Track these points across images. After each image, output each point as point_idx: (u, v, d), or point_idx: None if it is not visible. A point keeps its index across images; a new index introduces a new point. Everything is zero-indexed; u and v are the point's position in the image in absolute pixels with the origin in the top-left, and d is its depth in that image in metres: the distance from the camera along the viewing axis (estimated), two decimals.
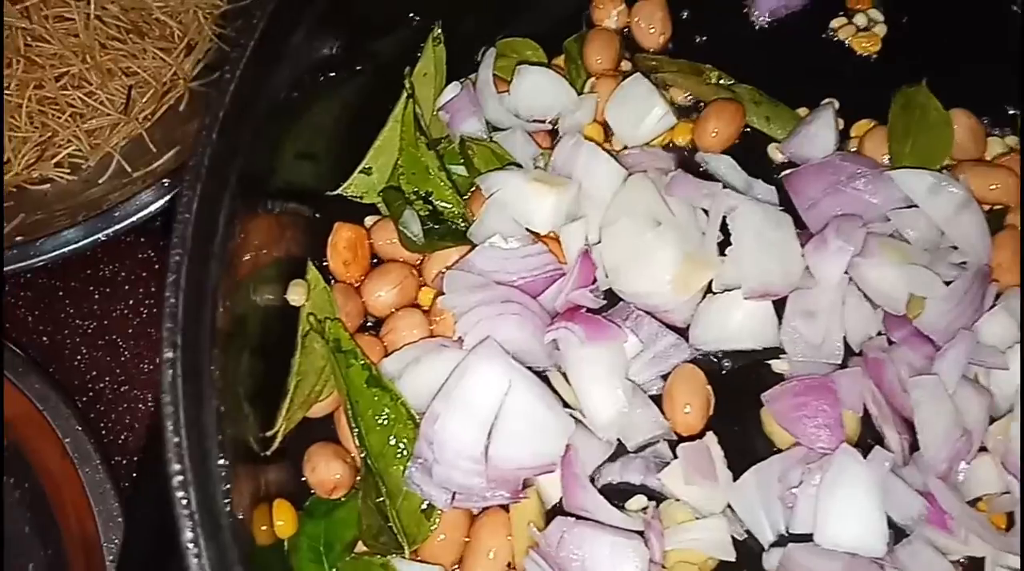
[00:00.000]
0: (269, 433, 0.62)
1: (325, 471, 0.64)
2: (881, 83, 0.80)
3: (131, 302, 0.98)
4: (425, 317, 0.71)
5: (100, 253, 0.99)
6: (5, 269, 0.92)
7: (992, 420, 0.65)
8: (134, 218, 0.93)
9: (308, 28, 0.64)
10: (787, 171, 0.75)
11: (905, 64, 0.81)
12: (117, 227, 0.93)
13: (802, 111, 0.79)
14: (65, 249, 0.93)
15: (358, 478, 0.65)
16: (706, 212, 0.71)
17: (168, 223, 0.95)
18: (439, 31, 0.78)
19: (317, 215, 0.73)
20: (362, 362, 0.65)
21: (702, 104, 0.80)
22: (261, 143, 0.61)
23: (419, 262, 0.74)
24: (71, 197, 1.01)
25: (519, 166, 0.73)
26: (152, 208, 0.93)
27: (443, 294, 0.69)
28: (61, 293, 0.98)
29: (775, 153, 0.78)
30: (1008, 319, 0.67)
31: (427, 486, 0.62)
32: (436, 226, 0.73)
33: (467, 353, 0.65)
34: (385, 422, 0.64)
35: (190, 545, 0.46)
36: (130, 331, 0.97)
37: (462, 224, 0.73)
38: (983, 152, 0.77)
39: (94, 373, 0.95)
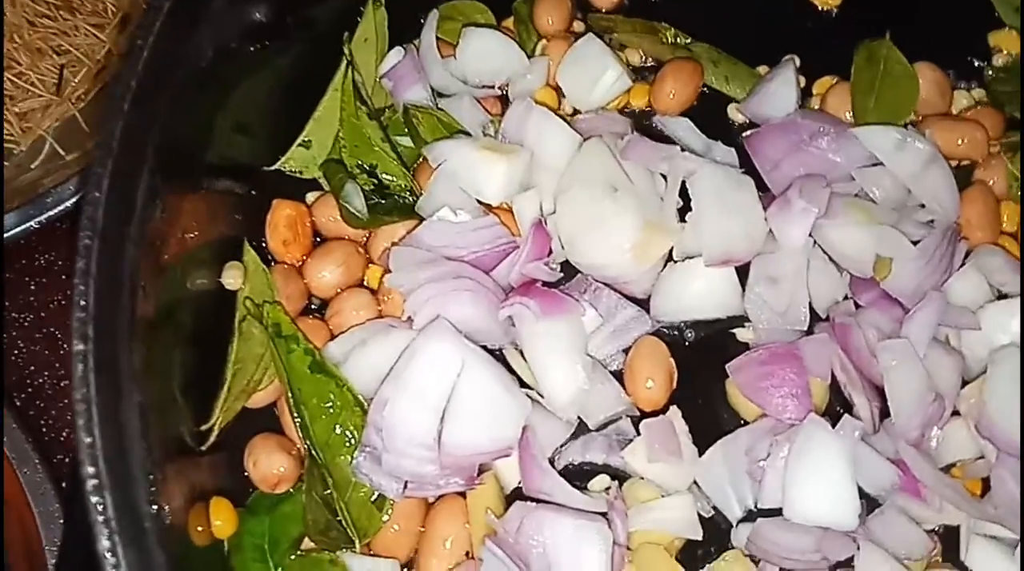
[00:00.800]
0: (205, 427, 0.59)
1: (267, 464, 0.60)
2: (843, 38, 0.77)
3: (69, 292, 0.92)
4: (373, 297, 0.67)
5: (34, 241, 0.93)
6: None
7: (964, 383, 0.63)
8: (67, 203, 0.89)
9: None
10: (748, 132, 0.72)
11: (867, 17, 0.78)
12: (51, 213, 0.89)
13: (762, 69, 0.76)
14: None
15: (302, 472, 0.61)
16: (664, 177, 0.68)
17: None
18: None
19: (253, 193, 0.69)
20: (304, 347, 0.62)
21: (659, 65, 0.76)
22: (183, 114, 0.57)
23: (365, 239, 0.70)
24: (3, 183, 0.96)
25: (468, 134, 0.69)
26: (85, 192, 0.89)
27: (390, 272, 0.65)
28: None
29: (735, 114, 0.75)
30: (978, 278, 0.65)
31: (376, 476, 0.59)
32: (382, 201, 0.69)
33: (417, 333, 0.61)
34: (331, 410, 0.61)
35: (107, 554, 0.42)
36: (68, 323, 0.92)
37: (409, 198, 0.69)
38: (949, 106, 0.74)
39: (32, 368, 0.90)
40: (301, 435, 0.60)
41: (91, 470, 0.43)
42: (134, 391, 0.47)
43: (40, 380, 0.90)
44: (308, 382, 0.61)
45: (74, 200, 0.88)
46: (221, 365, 0.61)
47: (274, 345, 0.62)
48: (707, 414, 0.65)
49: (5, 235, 0.88)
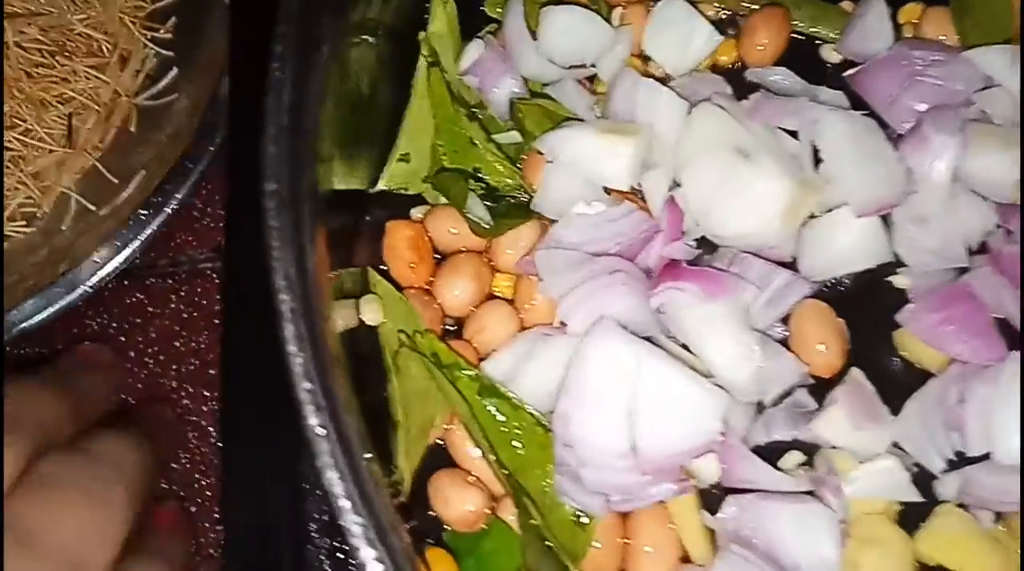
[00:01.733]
0: (394, 477, 0.54)
1: (460, 503, 0.56)
2: None
3: (132, 354, 0.87)
4: (511, 307, 0.63)
5: (82, 306, 0.87)
6: None
7: None
8: (116, 262, 0.83)
9: (330, 10, 0.54)
10: (851, 71, 0.69)
11: None
12: (100, 276, 0.83)
13: (846, 6, 0.73)
14: (48, 311, 0.82)
15: (492, 503, 0.57)
16: (786, 131, 0.65)
17: (151, 260, 0.86)
18: None
19: (368, 218, 0.63)
20: (469, 373, 0.57)
21: (734, 17, 0.73)
22: (312, 154, 0.52)
23: (484, 248, 0.65)
24: (33, 251, 0.89)
25: (577, 120, 0.65)
26: (134, 246, 0.83)
27: (526, 278, 0.61)
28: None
29: (830, 54, 0.72)
30: None
31: (578, 495, 0.55)
32: (493, 203, 0.64)
33: (580, 339, 0.57)
34: (511, 433, 0.57)
35: None
36: (140, 386, 0.86)
37: (522, 196, 0.65)
38: None
39: None
40: (495, 465, 0.56)
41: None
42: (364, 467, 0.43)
43: None
44: (481, 408, 0.57)
45: (123, 257, 0.83)
46: (381, 411, 0.57)
47: (439, 376, 0.57)
48: (884, 369, 0.63)
49: (56, 307, 0.82)
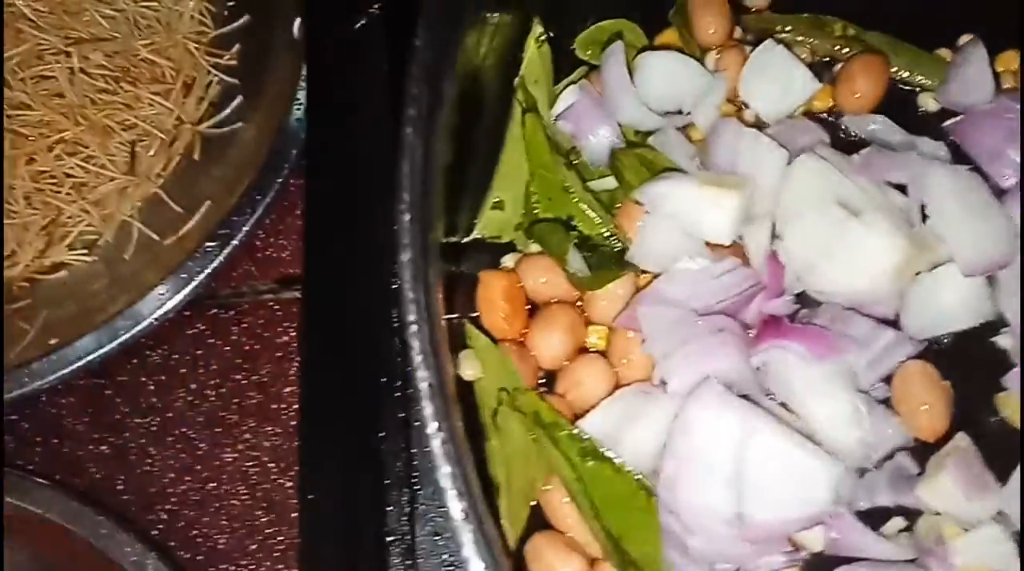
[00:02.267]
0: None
1: (561, 567, 0.54)
2: (1011, 3, 0.73)
3: (193, 387, 0.86)
4: (607, 362, 0.61)
5: (144, 338, 0.86)
6: (49, 378, 0.81)
7: None
8: (182, 295, 0.82)
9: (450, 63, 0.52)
10: (952, 120, 0.68)
11: None
12: (167, 308, 0.82)
13: (943, 52, 0.71)
14: (110, 346, 0.81)
15: (590, 568, 0.56)
16: (893, 186, 0.63)
17: (212, 291, 0.84)
18: (541, 29, 0.68)
19: (462, 268, 0.62)
20: (570, 432, 0.56)
21: (830, 62, 0.72)
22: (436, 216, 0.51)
23: (578, 298, 0.64)
24: (94, 280, 0.88)
25: (677, 170, 0.64)
26: (199, 279, 0.82)
27: (621, 332, 0.60)
28: (109, 392, 0.86)
29: (927, 102, 0.70)
30: None
31: (686, 565, 0.53)
32: (588, 253, 0.63)
33: (683, 399, 0.56)
34: (614, 497, 0.55)
35: None
36: (200, 419, 0.85)
37: (616, 246, 0.64)
38: None
39: (171, 476, 0.83)
40: (596, 531, 0.55)
41: None
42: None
43: (183, 486, 0.83)
44: (587, 470, 0.55)
45: (188, 289, 0.82)
46: (483, 467, 0.55)
47: (541, 436, 0.56)
48: (987, 433, 0.61)
49: (118, 341, 0.81)
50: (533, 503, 0.58)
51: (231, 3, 0.97)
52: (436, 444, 0.39)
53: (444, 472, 0.39)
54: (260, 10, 0.95)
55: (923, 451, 0.60)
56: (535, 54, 0.67)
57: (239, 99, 0.92)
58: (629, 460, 0.56)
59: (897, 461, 0.60)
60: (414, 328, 0.41)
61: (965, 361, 0.63)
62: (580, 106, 0.66)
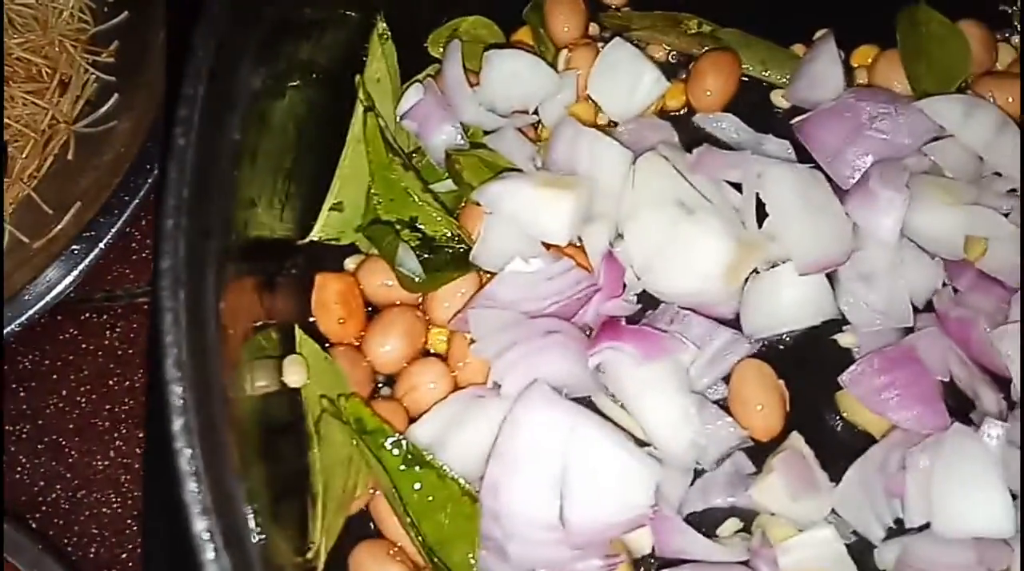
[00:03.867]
0: (309, 555, 0.52)
1: None
2: (869, 1, 0.73)
3: (64, 393, 0.84)
4: (444, 365, 0.61)
5: (14, 343, 0.84)
6: None
7: None
8: (47, 298, 0.80)
9: (250, 59, 0.51)
10: (798, 118, 0.67)
11: None
12: (31, 312, 0.80)
13: (797, 48, 0.71)
14: None
15: None
16: (731, 184, 0.63)
17: (87, 293, 0.83)
18: (383, 26, 0.66)
19: (294, 271, 0.61)
20: (392, 440, 0.55)
21: (687, 59, 0.71)
22: (223, 202, 0.49)
23: (418, 300, 0.63)
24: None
25: (516, 171, 0.63)
26: (66, 282, 0.80)
27: (461, 334, 0.59)
28: None
29: (778, 99, 0.70)
30: None
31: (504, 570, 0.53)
32: (430, 254, 0.62)
33: (513, 402, 0.55)
34: (437, 504, 0.54)
35: None
36: (71, 426, 0.83)
37: (460, 247, 0.63)
38: (994, 62, 0.70)
39: (42, 483, 0.81)
40: (414, 537, 0.54)
41: None
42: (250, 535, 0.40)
43: (53, 495, 0.81)
44: (405, 478, 0.55)
45: (54, 293, 0.80)
46: (302, 479, 0.54)
47: (361, 444, 0.55)
48: (825, 431, 0.61)
49: None
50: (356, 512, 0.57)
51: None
52: (182, 462, 0.38)
53: (188, 490, 0.38)
54: (140, 6, 0.93)
55: (763, 451, 0.60)
56: (379, 51, 0.66)
57: (116, 97, 0.90)
58: (455, 466, 0.56)
59: (735, 461, 0.60)
60: (169, 338, 0.40)
61: (805, 359, 0.63)
62: (423, 105, 0.65)
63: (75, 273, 0.81)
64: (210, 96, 0.45)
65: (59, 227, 0.84)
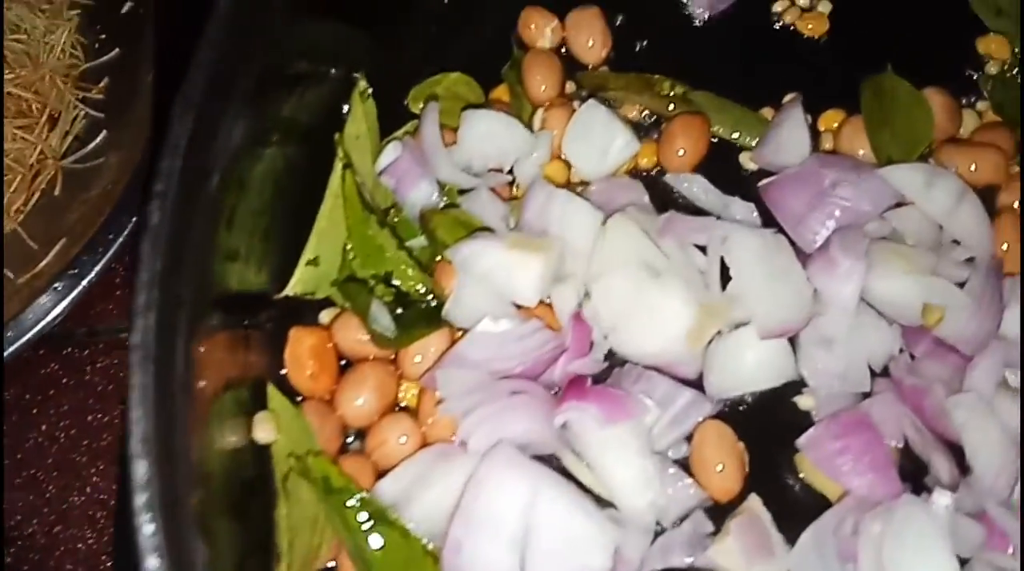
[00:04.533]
0: None
1: None
2: (837, 64, 0.75)
3: (44, 427, 0.85)
4: (414, 421, 0.62)
5: None
6: None
7: None
8: (30, 334, 0.82)
9: (229, 124, 0.53)
10: (764, 182, 0.69)
11: (856, 40, 0.76)
12: (14, 348, 0.81)
13: (766, 112, 0.73)
14: None
15: None
16: (698, 247, 0.65)
17: (69, 328, 0.84)
18: (365, 84, 0.68)
19: (268, 325, 0.63)
20: (358, 498, 0.57)
21: (660, 119, 0.73)
22: (205, 250, 0.51)
23: (391, 355, 0.65)
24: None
25: (489, 230, 0.65)
26: (49, 317, 0.82)
27: (431, 391, 0.61)
28: None
29: (747, 162, 0.72)
30: None
31: None
32: (404, 311, 0.64)
33: (478, 461, 0.57)
34: (400, 563, 0.56)
35: None
36: (50, 461, 0.84)
37: (433, 302, 0.65)
38: (958, 130, 0.72)
39: (19, 518, 0.82)
40: None
41: None
42: None
43: (30, 529, 0.82)
44: (364, 540, 0.56)
45: (37, 329, 0.81)
46: (269, 533, 0.56)
47: (327, 502, 0.56)
48: (783, 492, 0.63)
49: None
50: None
51: (103, 36, 0.96)
52: (143, 536, 0.39)
53: (149, 566, 0.40)
54: (131, 44, 0.94)
55: (724, 511, 0.62)
56: (359, 109, 0.68)
57: (104, 134, 0.92)
58: (419, 524, 0.57)
59: (695, 520, 0.61)
60: (136, 413, 0.41)
61: (766, 421, 0.65)
62: (401, 162, 0.67)
63: (59, 309, 0.82)
64: (186, 170, 0.47)
65: (44, 262, 0.85)
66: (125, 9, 0.96)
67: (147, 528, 0.39)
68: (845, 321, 0.63)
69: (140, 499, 0.40)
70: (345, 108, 0.69)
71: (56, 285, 0.82)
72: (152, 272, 0.44)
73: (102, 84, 0.94)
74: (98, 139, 0.92)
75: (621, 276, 0.62)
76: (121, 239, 0.83)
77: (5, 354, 0.81)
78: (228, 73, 0.51)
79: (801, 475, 0.63)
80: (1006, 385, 0.63)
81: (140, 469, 0.40)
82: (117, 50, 0.95)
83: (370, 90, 0.69)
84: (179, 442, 0.43)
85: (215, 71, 0.49)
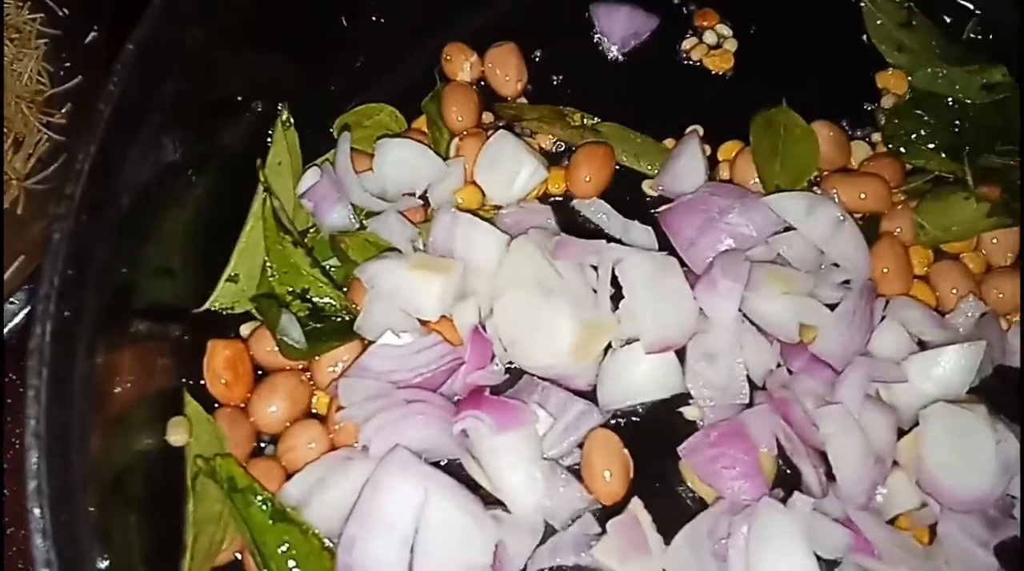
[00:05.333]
0: None
1: None
2: (740, 98, 0.80)
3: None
4: (323, 427, 0.67)
5: None
6: None
7: (900, 433, 0.66)
8: None
9: (148, 134, 0.58)
10: (661, 208, 0.74)
11: (760, 75, 0.82)
12: None
13: (668, 142, 0.78)
14: None
15: None
16: (594, 268, 0.69)
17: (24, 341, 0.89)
18: (287, 115, 0.74)
19: (186, 337, 0.67)
20: (263, 497, 0.61)
21: (571, 148, 0.78)
22: (113, 265, 0.56)
23: (305, 365, 0.69)
24: None
25: (397, 251, 0.70)
26: (8, 328, 0.86)
27: (337, 398, 0.66)
28: None
29: (648, 189, 0.77)
30: (898, 330, 0.68)
31: None
32: (318, 325, 0.69)
33: (376, 465, 0.61)
34: (298, 558, 0.60)
35: None
36: (5, 466, 0.88)
37: (346, 317, 0.69)
38: (848, 159, 0.77)
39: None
40: None
41: None
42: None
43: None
44: (271, 533, 0.61)
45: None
46: (179, 528, 0.60)
47: (231, 501, 0.61)
48: (667, 498, 0.67)
49: None
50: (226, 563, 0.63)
51: (67, 64, 1.01)
52: (32, 522, 0.44)
53: (35, 545, 0.44)
54: (93, 72, 0.99)
55: (613, 514, 0.66)
56: (281, 137, 0.73)
57: (65, 157, 0.96)
58: (320, 522, 0.61)
59: (584, 522, 0.65)
60: (30, 411, 0.46)
61: (655, 430, 0.69)
62: (320, 186, 0.72)
63: (16, 319, 0.86)
64: (87, 195, 0.52)
65: (6, 275, 0.90)
66: (88, 39, 1.01)
67: (35, 512, 0.44)
68: (727, 337, 0.67)
69: (31, 485, 0.44)
70: (270, 136, 0.74)
71: (13, 299, 0.86)
72: (50, 287, 0.49)
73: (65, 110, 0.99)
74: (59, 162, 0.97)
75: (518, 294, 0.67)
76: None
77: None
78: (137, 102, 0.56)
79: (687, 481, 0.68)
80: (876, 401, 0.67)
81: (32, 458, 0.45)
82: (80, 77, 1.00)
83: (291, 120, 0.74)
84: (76, 440, 0.48)
85: (121, 105, 0.54)
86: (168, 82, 0.60)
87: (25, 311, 0.86)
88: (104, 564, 0.48)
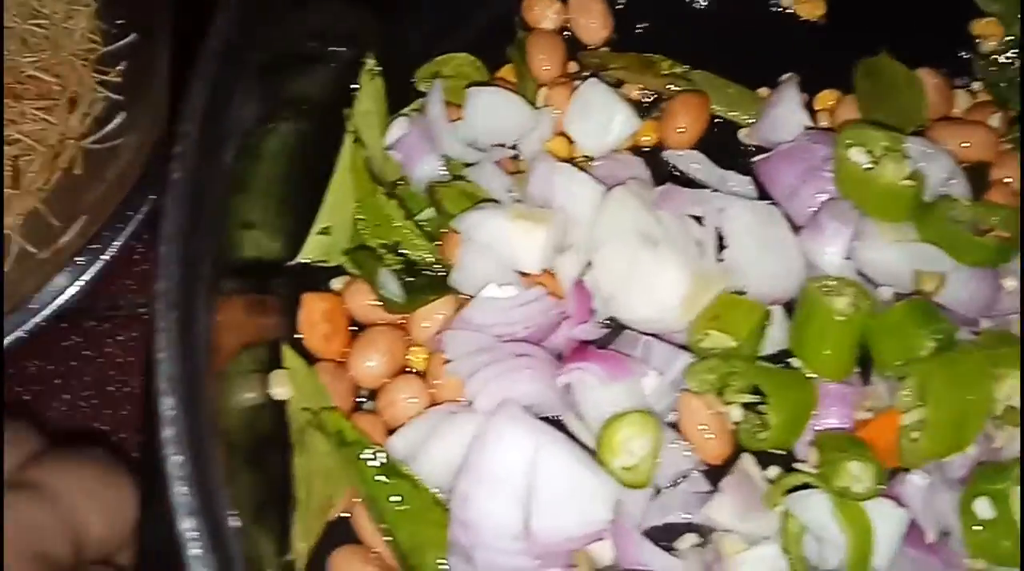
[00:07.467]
0: (290, 557, 0.56)
1: None
2: (834, 47, 0.78)
3: (67, 397, 0.88)
4: (423, 381, 0.65)
5: (20, 349, 0.88)
6: None
7: None
8: (53, 306, 0.84)
9: (248, 78, 0.56)
10: (758, 158, 0.72)
11: (853, 23, 0.79)
12: (35, 320, 0.84)
13: (763, 91, 0.76)
14: None
15: None
16: (696, 218, 0.67)
17: (90, 303, 0.87)
18: (373, 62, 0.71)
19: (282, 290, 0.66)
20: (371, 451, 0.59)
21: (659, 98, 0.76)
22: (221, 212, 0.54)
23: (402, 320, 0.68)
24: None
25: (494, 202, 0.67)
26: (70, 292, 0.85)
27: (439, 353, 0.64)
28: None
29: (745, 138, 0.75)
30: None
31: None
32: (412, 278, 0.67)
33: (484, 419, 0.59)
34: (411, 512, 0.59)
35: None
36: (74, 430, 0.88)
37: (440, 271, 0.67)
38: (951, 108, 0.75)
39: None
40: (388, 543, 0.58)
41: None
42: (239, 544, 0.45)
43: None
44: (382, 488, 0.59)
45: (59, 302, 0.84)
46: (278, 485, 0.59)
47: (340, 455, 0.59)
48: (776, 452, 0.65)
49: None
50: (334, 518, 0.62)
51: (120, 21, 0.99)
52: (171, 468, 0.42)
53: (176, 492, 0.43)
54: (146, 29, 0.97)
55: (721, 470, 0.64)
56: (368, 87, 0.70)
57: (122, 115, 0.94)
58: (429, 476, 0.60)
59: (692, 480, 0.64)
60: (162, 355, 0.44)
61: None
62: (409, 137, 0.69)
63: (80, 283, 0.84)
64: (203, 133, 0.50)
65: (65, 239, 0.88)
66: None
67: (174, 459, 0.42)
68: None
69: (167, 432, 0.42)
70: (355, 86, 0.72)
71: (78, 259, 0.85)
72: (175, 225, 0.47)
73: (119, 68, 0.97)
74: (116, 120, 0.95)
75: (620, 246, 0.65)
76: (139, 216, 0.86)
77: (30, 325, 0.84)
78: (240, 51, 0.54)
79: None
80: None
81: (167, 404, 0.43)
82: (134, 35, 0.98)
83: (378, 69, 0.71)
84: (200, 389, 0.46)
85: (228, 49, 0.52)
86: (265, 33, 0.57)
87: (90, 273, 0.85)
88: (237, 524, 0.46)
